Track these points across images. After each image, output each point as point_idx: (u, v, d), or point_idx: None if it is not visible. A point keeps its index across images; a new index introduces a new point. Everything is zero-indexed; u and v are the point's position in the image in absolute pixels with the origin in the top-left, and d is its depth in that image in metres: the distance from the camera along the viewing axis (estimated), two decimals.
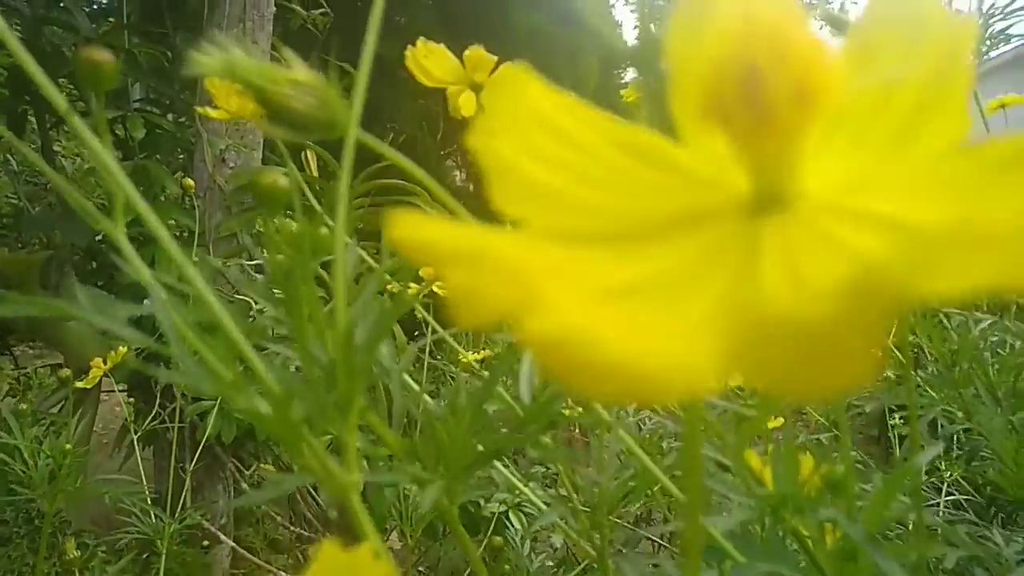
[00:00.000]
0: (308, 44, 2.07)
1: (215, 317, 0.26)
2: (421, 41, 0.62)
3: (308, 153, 1.92)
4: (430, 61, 0.62)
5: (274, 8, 1.73)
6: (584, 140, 0.16)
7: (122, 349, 1.13)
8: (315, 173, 1.89)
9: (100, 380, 1.72)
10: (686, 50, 0.16)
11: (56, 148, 2.80)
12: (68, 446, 0.73)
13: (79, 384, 1.04)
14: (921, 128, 0.14)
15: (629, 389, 0.09)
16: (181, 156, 1.89)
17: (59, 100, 0.24)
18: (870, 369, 0.08)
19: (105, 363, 1.10)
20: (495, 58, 0.63)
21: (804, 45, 0.13)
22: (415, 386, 0.50)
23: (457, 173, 2.61)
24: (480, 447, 0.35)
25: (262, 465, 1.59)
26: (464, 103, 0.66)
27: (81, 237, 1.66)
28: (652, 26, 0.18)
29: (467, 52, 0.63)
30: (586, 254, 0.14)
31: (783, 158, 0.13)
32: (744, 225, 0.14)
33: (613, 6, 2.93)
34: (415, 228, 0.13)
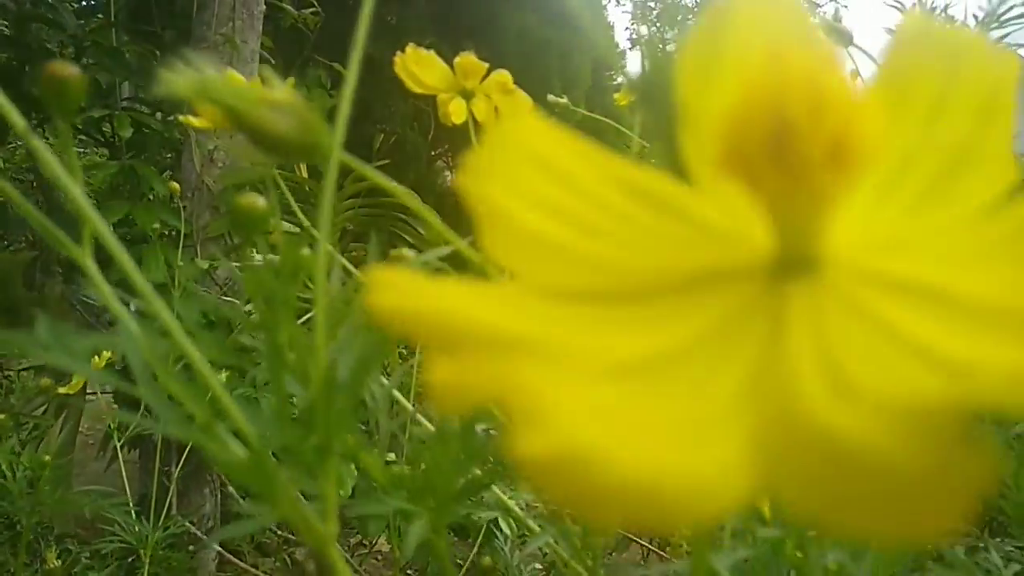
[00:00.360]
0: (299, 43, 2.05)
1: (187, 352, 0.25)
2: (411, 47, 0.61)
3: None
4: (420, 68, 0.61)
5: (264, 7, 1.70)
6: (587, 184, 0.14)
7: (105, 354, 1.11)
8: (304, 174, 1.86)
9: (86, 380, 1.70)
10: (700, 86, 0.14)
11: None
12: (47, 457, 0.71)
13: (62, 390, 1.01)
14: (960, 178, 0.13)
15: (642, 514, 0.07)
16: (169, 155, 1.87)
17: (17, 120, 0.22)
18: (948, 514, 0.06)
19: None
20: (486, 65, 0.61)
21: (841, 94, 0.11)
22: (406, 403, 0.48)
23: (448, 173, 2.59)
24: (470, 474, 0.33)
25: None
26: (454, 110, 0.64)
27: (67, 236, 1.63)
28: (659, 52, 0.17)
29: (457, 59, 0.61)
30: (589, 319, 0.12)
31: (813, 219, 0.12)
32: (767, 288, 0.12)
33: (605, 7, 2.92)
34: (396, 296, 0.11)
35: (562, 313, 0.13)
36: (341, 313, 0.33)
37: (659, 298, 0.13)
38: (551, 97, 1.31)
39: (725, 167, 0.12)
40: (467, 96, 0.62)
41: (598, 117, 1.39)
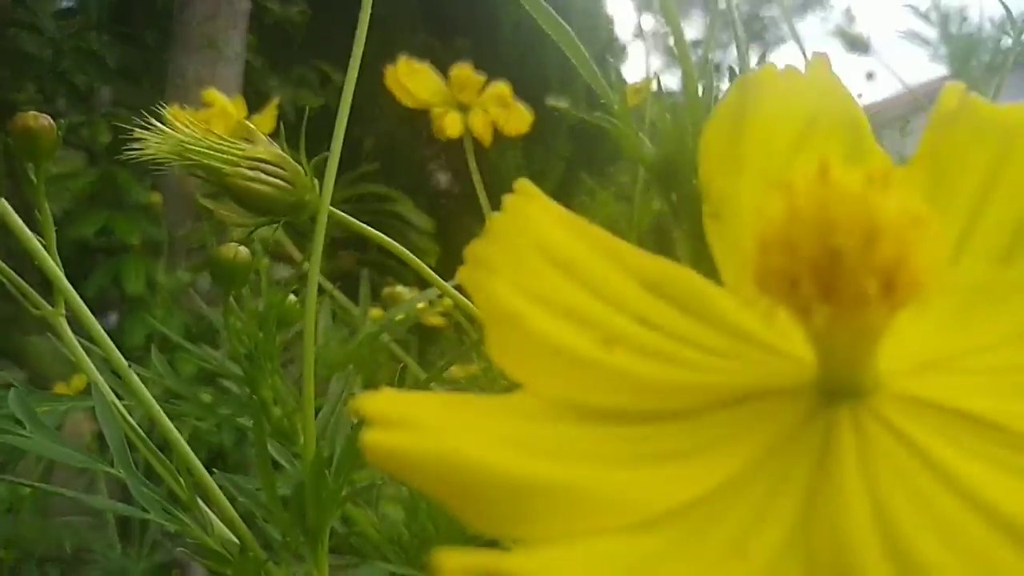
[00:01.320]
0: (285, 40, 2.01)
1: (165, 427, 0.23)
2: (403, 59, 0.58)
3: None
4: (413, 81, 0.58)
5: (249, 5, 1.67)
6: (606, 281, 0.12)
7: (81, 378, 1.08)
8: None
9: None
10: (728, 175, 0.13)
11: None
12: (27, 491, 0.69)
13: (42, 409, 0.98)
14: (1012, 281, 0.11)
15: None
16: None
17: None
18: None
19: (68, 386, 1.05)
20: (483, 77, 0.59)
21: (896, 217, 0.10)
22: None
23: (442, 176, 2.56)
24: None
25: None
26: (449, 124, 0.62)
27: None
28: (678, 129, 0.15)
29: (453, 70, 0.59)
30: (610, 447, 0.11)
31: (861, 348, 0.11)
32: (812, 413, 0.11)
33: (603, 2, 2.89)
34: (395, 434, 0.10)
35: (580, 439, 0.11)
36: (331, 362, 0.31)
37: (689, 421, 0.11)
38: (550, 101, 1.29)
39: (763, 284, 0.11)
40: (463, 109, 0.60)
41: (598, 122, 1.37)
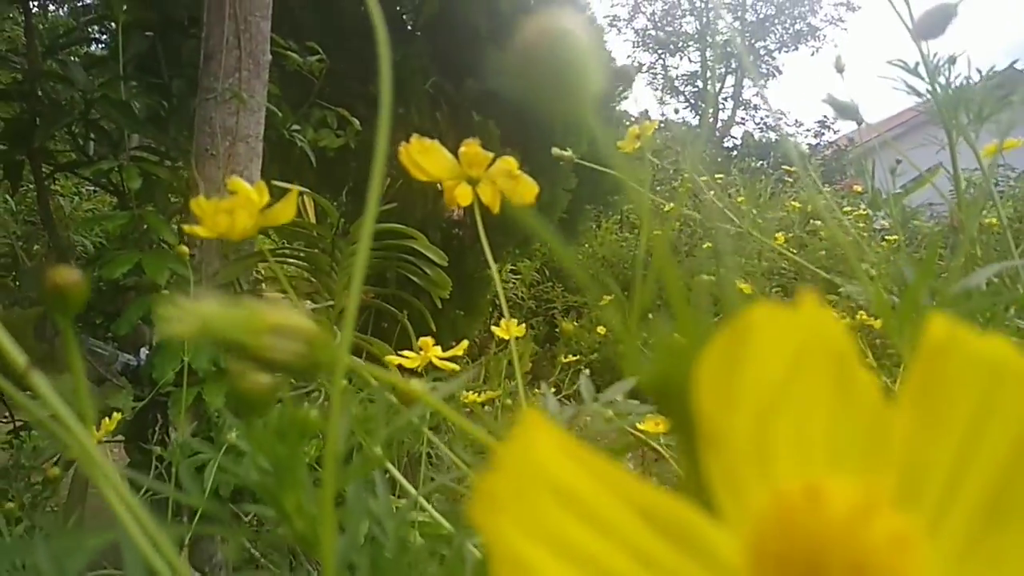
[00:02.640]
0: (305, 86, 2.07)
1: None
2: (415, 137, 0.61)
3: (306, 199, 1.90)
4: (424, 158, 0.61)
5: (270, 56, 1.73)
6: (608, 515, 0.13)
7: (116, 415, 1.12)
8: (313, 220, 1.87)
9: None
10: (721, 414, 0.13)
11: (55, 187, 2.80)
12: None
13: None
14: (1004, 530, 0.12)
15: None
16: (177, 200, 1.89)
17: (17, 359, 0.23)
18: None
19: (98, 430, 1.08)
20: (491, 154, 0.62)
21: (885, 551, 0.11)
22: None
23: (455, 208, 2.60)
24: None
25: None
26: (460, 194, 0.65)
27: None
28: (674, 351, 0.17)
29: (462, 148, 0.62)
30: None
31: None
32: None
33: (606, 41, 2.93)
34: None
35: None
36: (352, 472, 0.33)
37: None
38: (555, 151, 1.32)
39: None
40: (472, 182, 0.63)
41: (602, 168, 1.40)
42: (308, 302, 1.84)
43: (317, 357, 0.22)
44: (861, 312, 1.56)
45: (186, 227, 0.55)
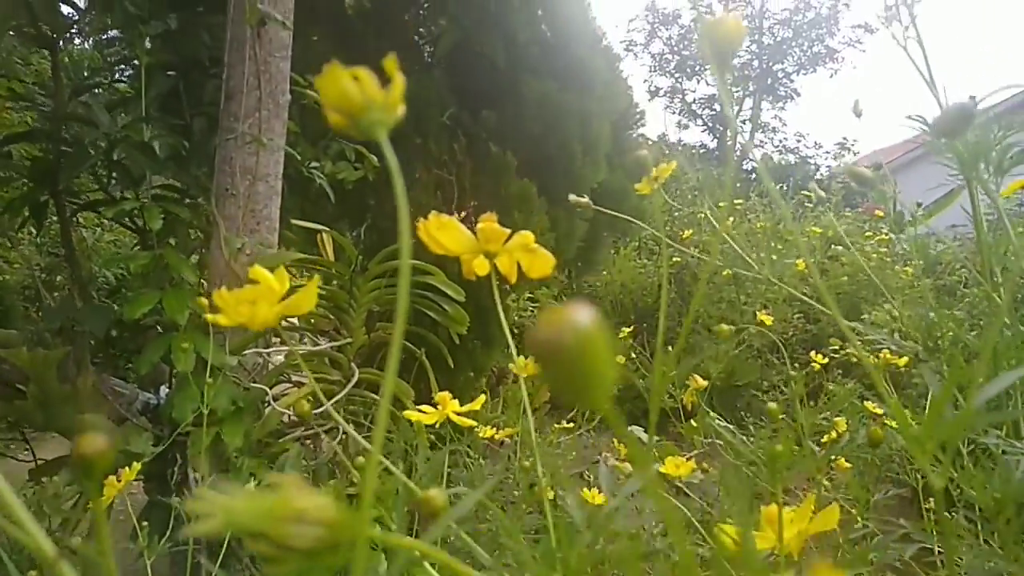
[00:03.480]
0: (324, 120, 2.09)
1: None
2: (433, 215, 0.61)
3: (324, 236, 1.91)
4: (442, 234, 0.61)
5: (289, 96, 1.75)
6: None
7: (136, 465, 1.12)
8: (331, 256, 1.88)
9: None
10: None
11: (78, 219, 2.84)
12: None
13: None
14: None
15: None
16: (197, 237, 1.91)
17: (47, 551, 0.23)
18: None
19: (119, 480, 1.09)
20: (507, 231, 0.62)
21: None
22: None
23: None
24: None
25: None
26: (478, 266, 0.65)
27: (99, 326, 1.66)
28: None
29: (480, 225, 0.62)
30: None
31: None
32: None
33: (621, 71, 2.94)
34: None
35: None
36: None
37: None
38: (572, 197, 1.32)
39: None
40: (491, 257, 0.63)
41: (617, 214, 1.39)
42: (326, 339, 1.85)
43: (339, 540, 0.22)
44: (885, 352, 1.54)
45: (208, 316, 0.55)
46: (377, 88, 0.29)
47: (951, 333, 1.07)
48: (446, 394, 0.95)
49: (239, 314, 0.51)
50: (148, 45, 1.82)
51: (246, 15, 1.56)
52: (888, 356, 1.58)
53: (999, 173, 0.93)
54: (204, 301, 1.20)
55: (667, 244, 0.72)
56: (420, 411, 0.94)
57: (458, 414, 0.94)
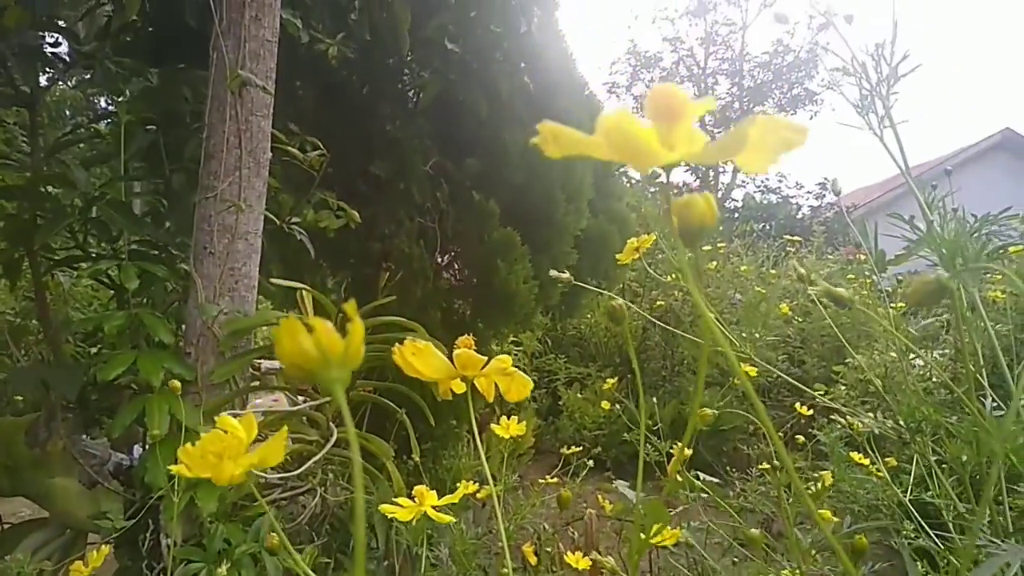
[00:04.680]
0: (306, 173, 2.08)
1: None
2: (409, 340, 0.60)
3: (304, 294, 1.89)
4: (417, 360, 0.60)
5: (270, 154, 1.74)
6: None
7: (104, 549, 1.10)
8: (311, 313, 1.87)
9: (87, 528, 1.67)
10: None
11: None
12: None
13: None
14: None
15: None
16: (175, 291, 1.88)
17: None
18: None
19: (86, 566, 1.06)
20: (484, 358, 0.61)
21: None
22: None
23: (452, 279, 2.59)
24: None
25: None
26: (455, 386, 0.64)
27: (71, 389, 1.63)
28: None
29: (456, 352, 0.61)
30: None
31: None
32: None
33: (603, 106, 2.96)
34: None
35: None
36: None
37: None
38: (553, 273, 1.32)
39: None
40: (468, 380, 0.62)
41: (597, 289, 1.40)
42: (304, 398, 1.82)
43: None
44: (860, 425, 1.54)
45: (173, 468, 0.53)
46: (335, 339, 0.28)
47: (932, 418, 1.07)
48: (422, 488, 0.93)
49: (205, 469, 0.49)
50: (129, 101, 1.81)
51: (227, 80, 1.56)
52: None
53: (977, 270, 0.94)
54: (177, 385, 1.18)
55: (651, 286, 0.72)
56: (397, 505, 0.92)
57: (436, 508, 0.92)
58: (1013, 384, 0.87)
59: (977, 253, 0.89)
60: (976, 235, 0.96)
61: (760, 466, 2.06)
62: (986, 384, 0.99)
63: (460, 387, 0.64)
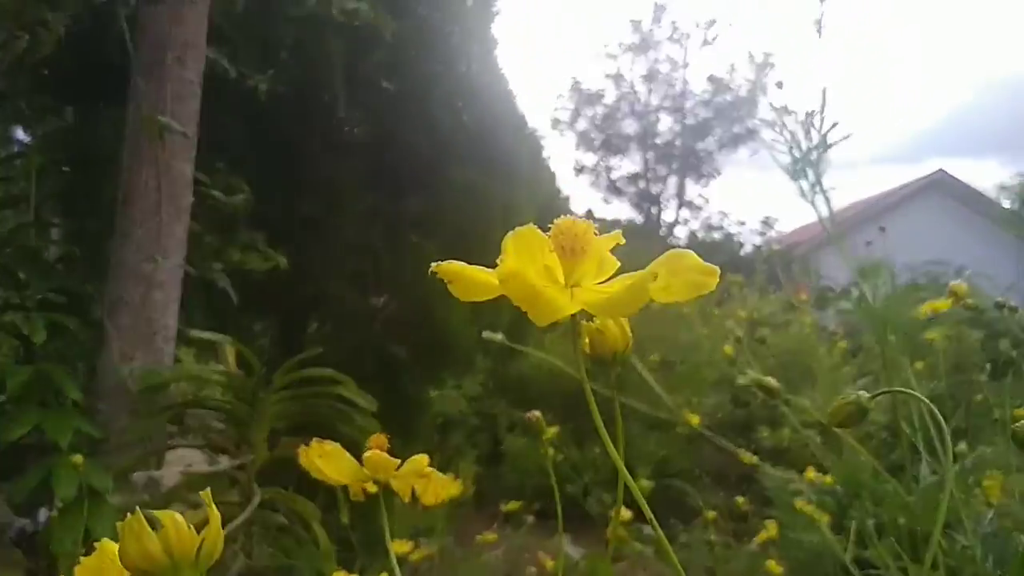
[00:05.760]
0: (232, 217, 1.99)
1: None
2: (315, 441, 0.55)
3: (228, 348, 1.80)
4: (325, 463, 0.55)
5: (191, 199, 1.66)
6: None
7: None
8: (233, 366, 1.77)
9: None
10: None
11: None
12: None
13: None
14: None
15: None
16: (87, 343, 1.76)
17: None
18: None
19: None
20: (397, 460, 0.56)
21: None
22: None
23: (389, 337, 2.51)
24: None
25: None
26: (368, 488, 0.58)
27: None
28: None
29: (366, 454, 0.55)
30: None
31: None
32: None
33: (546, 159, 2.96)
34: None
35: None
36: None
37: None
38: (486, 334, 1.27)
39: None
40: (380, 483, 0.57)
41: (525, 349, 1.35)
42: (225, 456, 1.72)
43: None
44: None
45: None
46: (186, 537, 0.23)
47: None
48: None
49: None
50: (43, 139, 1.71)
51: (144, 125, 1.48)
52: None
53: (907, 339, 0.93)
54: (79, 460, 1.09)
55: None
56: None
57: None
58: (943, 456, 0.87)
59: (908, 326, 0.89)
60: (904, 300, 0.96)
61: (707, 515, 2.04)
62: (921, 448, 0.99)
63: (372, 489, 0.59)
